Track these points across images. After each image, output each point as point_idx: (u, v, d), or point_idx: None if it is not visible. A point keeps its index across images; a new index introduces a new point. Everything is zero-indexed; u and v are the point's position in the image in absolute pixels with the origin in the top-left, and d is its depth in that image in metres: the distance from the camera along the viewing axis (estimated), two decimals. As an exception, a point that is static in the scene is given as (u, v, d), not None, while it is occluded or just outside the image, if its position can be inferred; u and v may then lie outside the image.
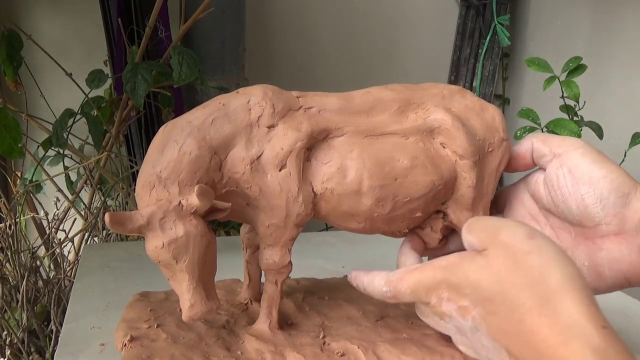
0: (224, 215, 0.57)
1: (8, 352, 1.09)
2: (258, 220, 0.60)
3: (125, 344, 0.60)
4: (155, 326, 0.64)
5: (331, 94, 0.62)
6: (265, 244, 0.60)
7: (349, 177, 0.58)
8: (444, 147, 0.62)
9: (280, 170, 0.58)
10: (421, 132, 0.62)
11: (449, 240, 0.69)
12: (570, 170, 0.59)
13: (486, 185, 0.65)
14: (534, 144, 0.63)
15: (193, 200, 0.53)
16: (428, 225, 0.66)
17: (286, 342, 0.62)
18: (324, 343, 0.62)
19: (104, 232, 1.34)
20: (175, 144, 0.56)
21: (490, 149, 0.64)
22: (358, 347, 0.61)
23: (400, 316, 0.69)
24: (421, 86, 0.66)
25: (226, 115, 0.58)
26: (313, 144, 0.59)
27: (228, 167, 0.58)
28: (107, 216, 0.51)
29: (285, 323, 0.66)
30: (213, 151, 0.57)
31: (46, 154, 1.35)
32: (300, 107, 0.60)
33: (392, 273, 0.56)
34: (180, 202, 0.54)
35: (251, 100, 0.59)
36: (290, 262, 0.62)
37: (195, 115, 0.58)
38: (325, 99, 0.62)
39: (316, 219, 0.62)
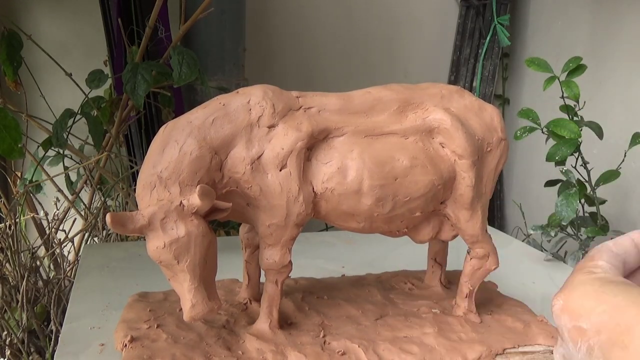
0: (225, 215, 0.57)
1: (8, 352, 1.09)
2: (258, 220, 0.60)
3: (126, 345, 0.60)
4: (155, 326, 0.64)
5: (331, 94, 0.62)
6: (265, 243, 0.61)
7: (349, 177, 0.59)
8: (443, 146, 0.63)
9: (280, 170, 0.58)
10: (420, 132, 0.62)
11: None
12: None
13: (485, 184, 0.65)
14: None
15: (194, 200, 0.53)
16: None
17: (287, 341, 0.62)
18: (324, 342, 0.63)
19: (104, 232, 1.34)
20: (176, 144, 0.56)
21: (489, 149, 0.65)
22: (358, 346, 0.61)
23: (399, 315, 0.70)
24: (420, 86, 0.66)
25: (226, 115, 0.58)
26: (313, 143, 0.59)
27: (228, 167, 0.58)
28: (108, 217, 0.51)
29: (285, 322, 0.66)
30: (214, 151, 0.57)
31: (46, 154, 1.35)
32: (300, 107, 0.60)
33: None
34: (181, 202, 0.54)
35: (251, 100, 0.59)
36: (290, 262, 0.62)
37: (196, 115, 0.58)
38: (325, 99, 0.62)
39: (316, 219, 0.62)
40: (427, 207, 0.63)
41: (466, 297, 0.71)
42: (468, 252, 0.69)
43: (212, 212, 0.55)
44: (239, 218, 0.62)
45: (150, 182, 0.55)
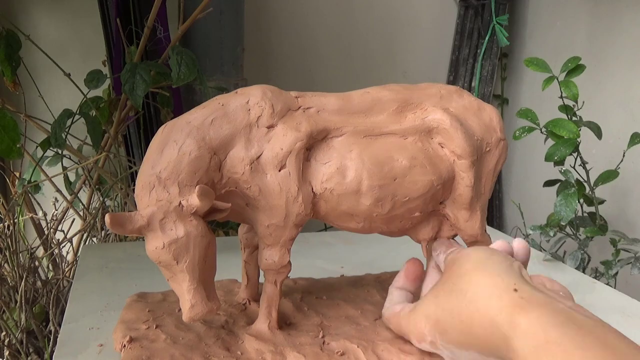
0: (224, 215, 0.57)
1: (7, 352, 1.09)
2: (257, 221, 0.60)
3: (125, 345, 0.60)
4: (154, 327, 0.64)
5: (330, 94, 0.62)
6: (264, 244, 0.60)
7: (348, 177, 0.58)
8: (442, 147, 0.63)
9: (279, 171, 0.58)
10: (420, 132, 0.62)
11: None
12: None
13: (484, 184, 0.65)
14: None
15: (194, 200, 0.53)
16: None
17: (286, 341, 0.62)
18: (323, 342, 0.62)
19: (103, 232, 1.34)
20: (174, 145, 0.56)
21: (488, 149, 0.65)
22: (358, 347, 0.61)
23: (398, 315, 0.70)
24: (419, 86, 0.66)
25: (225, 116, 0.58)
26: (312, 144, 0.59)
27: (227, 167, 0.58)
28: (107, 217, 0.51)
29: (284, 323, 0.66)
30: (212, 151, 0.57)
31: (45, 154, 1.35)
32: (299, 108, 0.60)
33: (385, 308, 0.65)
34: (180, 203, 0.54)
35: (250, 101, 0.59)
36: (289, 262, 0.62)
37: (195, 116, 0.58)
38: (324, 99, 0.62)
39: (315, 219, 0.62)
40: (426, 207, 0.63)
41: None
42: None
43: (211, 212, 0.55)
44: (238, 218, 0.62)
45: (149, 182, 0.55)
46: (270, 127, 0.58)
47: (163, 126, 0.58)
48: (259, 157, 0.58)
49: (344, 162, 0.59)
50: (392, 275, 0.82)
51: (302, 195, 0.58)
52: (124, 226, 0.52)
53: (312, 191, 0.59)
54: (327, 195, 0.59)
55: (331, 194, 0.59)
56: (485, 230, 0.67)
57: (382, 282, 0.80)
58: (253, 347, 0.61)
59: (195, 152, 0.56)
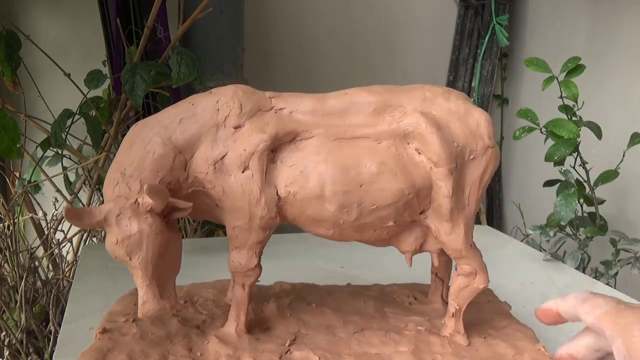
0: (186, 214, 0.56)
1: (7, 352, 1.10)
2: (225, 222, 0.59)
3: (96, 336, 0.61)
4: (132, 320, 0.65)
5: (307, 95, 0.61)
6: (232, 245, 0.60)
7: (311, 182, 0.57)
8: (419, 153, 0.60)
9: (243, 172, 0.57)
10: (395, 137, 0.60)
11: None
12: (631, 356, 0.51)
13: (468, 195, 0.61)
14: (588, 320, 0.52)
15: (147, 198, 0.53)
16: None
17: (249, 347, 0.61)
18: (286, 352, 0.61)
19: (103, 232, 1.34)
20: (142, 142, 0.56)
21: (472, 157, 0.61)
22: (319, 358, 0.60)
23: (380, 330, 0.67)
24: (403, 88, 0.63)
25: (194, 115, 0.58)
26: (279, 145, 0.58)
27: (193, 167, 0.57)
28: (64, 211, 0.51)
29: (260, 327, 0.65)
30: (178, 150, 0.57)
31: (45, 155, 1.35)
32: (272, 108, 0.59)
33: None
34: (136, 200, 0.54)
35: (220, 100, 0.58)
36: (257, 266, 0.61)
37: (166, 115, 0.58)
38: (299, 99, 0.61)
39: (285, 223, 0.61)
40: (400, 217, 0.60)
41: (453, 316, 0.66)
42: (455, 269, 0.66)
43: (171, 211, 0.55)
44: (212, 218, 0.62)
45: (114, 178, 0.56)
46: (237, 127, 0.58)
47: (135, 124, 0.59)
48: (223, 157, 0.57)
49: (308, 165, 0.57)
50: (399, 287, 0.80)
51: (265, 198, 0.57)
52: (82, 220, 0.53)
53: (277, 194, 0.58)
54: (291, 199, 0.58)
55: (294, 197, 0.57)
56: (473, 245, 0.64)
57: (385, 294, 0.77)
58: (214, 349, 0.60)
59: (160, 151, 0.56)
